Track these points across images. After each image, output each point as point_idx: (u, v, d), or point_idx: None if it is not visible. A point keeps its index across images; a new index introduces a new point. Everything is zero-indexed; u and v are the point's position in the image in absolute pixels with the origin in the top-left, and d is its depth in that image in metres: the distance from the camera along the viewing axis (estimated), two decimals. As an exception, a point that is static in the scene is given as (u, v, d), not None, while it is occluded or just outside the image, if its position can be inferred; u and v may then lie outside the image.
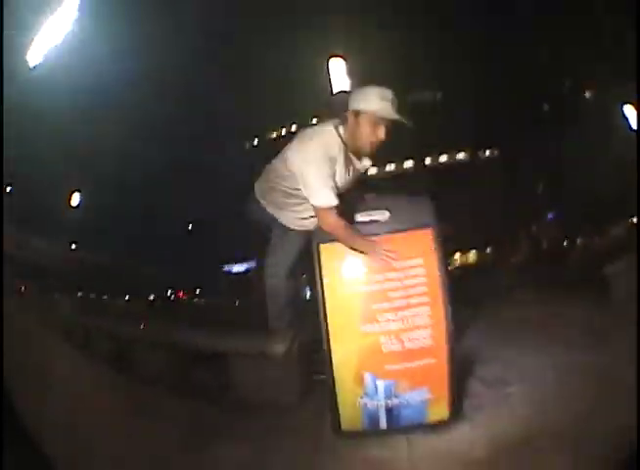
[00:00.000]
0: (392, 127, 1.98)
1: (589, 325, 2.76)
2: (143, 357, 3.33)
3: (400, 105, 1.92)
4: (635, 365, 1.62)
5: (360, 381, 1.94)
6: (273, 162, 2.33)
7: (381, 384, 1.93)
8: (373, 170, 2.57)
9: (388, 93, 1.91)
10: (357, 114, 1.93)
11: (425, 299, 1.93)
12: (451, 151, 17.96)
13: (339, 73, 13.23)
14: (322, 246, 1.94)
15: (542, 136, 13.01)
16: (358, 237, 1.91)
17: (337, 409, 1.96)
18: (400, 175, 16.66)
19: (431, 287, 1.93)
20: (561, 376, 2.13)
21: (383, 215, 1.94)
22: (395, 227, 1.94)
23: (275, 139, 17.61)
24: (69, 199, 15.32)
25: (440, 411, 1.97)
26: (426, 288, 1.93)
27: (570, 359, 2.26)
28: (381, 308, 1.92)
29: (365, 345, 1.93)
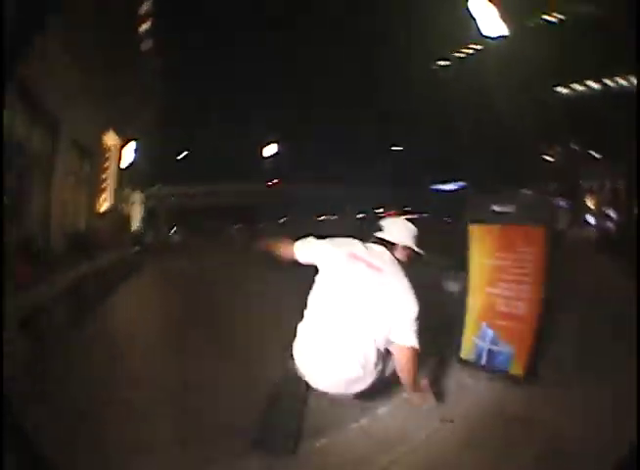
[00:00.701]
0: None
1: None
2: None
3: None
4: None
5: (478, 326, 2.89)
6: None
7: (489, 332, 2.79)
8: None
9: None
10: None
11: (528, 279, 2.63)
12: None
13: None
14: (471, 226, 2.94)
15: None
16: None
17: (461, 342, 3.01)
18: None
19: (534, 272, 2.62)
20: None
21: (512, 208, 2.69)
22: (518, 221, 2.66)
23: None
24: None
25: (518, 368, 2.60)
26: (531, 271, 2.62)
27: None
28: (500, 278, 2.81)
29: (486, 302, 2.88)
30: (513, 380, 2.56)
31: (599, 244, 8.47)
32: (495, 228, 2.79)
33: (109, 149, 10.26)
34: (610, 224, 9.59)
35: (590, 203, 11.05)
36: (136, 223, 14.23)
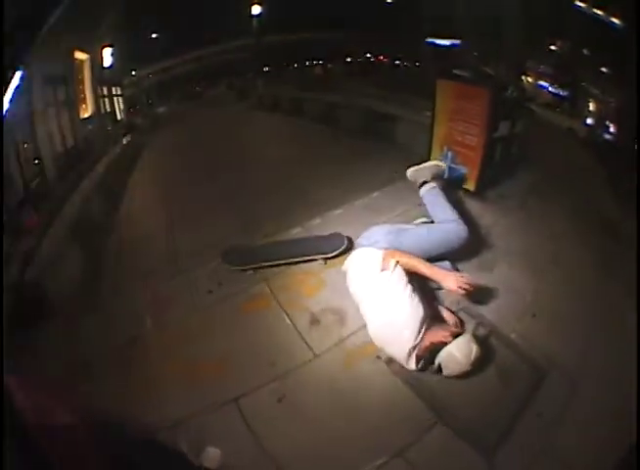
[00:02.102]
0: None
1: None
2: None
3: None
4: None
5: (441, 149, 3.69)
6: None
7: (449, 153, 3.57)
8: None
9: None
10: None
11: (476, 121, 3.38)
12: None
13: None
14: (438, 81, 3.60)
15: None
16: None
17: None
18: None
19: (481, 117, 3.31)
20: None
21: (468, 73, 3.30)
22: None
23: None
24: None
25: (470, 185, 3.53)
26: (478, 116, 3.34)
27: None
28: (458, 118, 3.51)
29: (447, 131, 3.65)
30: (466, 193, 3.54)
31: (586, 144, 8.07)
32: (455, 84, 3.55)
33: (81, 64, 9.16)
34: (606, 135, 8.77)
35: (593, 108, 9.70)
36: (121, 114, 13.50)
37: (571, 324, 2.23)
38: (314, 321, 2.29)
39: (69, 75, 8.68)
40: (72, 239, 3.55)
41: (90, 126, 9.36)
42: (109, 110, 12.28)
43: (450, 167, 3.48)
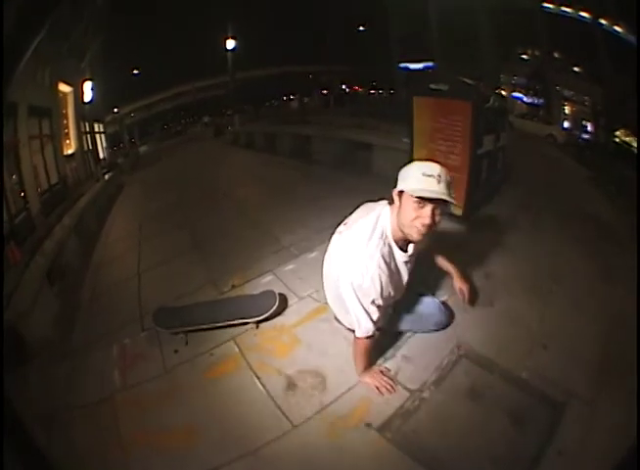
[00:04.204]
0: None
1: None
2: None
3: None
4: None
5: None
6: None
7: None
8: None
9: (433, 169, 1.59)
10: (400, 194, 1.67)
11: (459, 139, 3.17)
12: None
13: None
14: (415, 98, 3.42)
15: None
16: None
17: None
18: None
19: (463, 134, 3.09)
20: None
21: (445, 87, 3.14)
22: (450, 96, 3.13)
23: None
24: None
25: (458, 209, 3.30)
26: (461, 133, 3.13)
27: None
28: (439, 137, 3.30)
29: (429, 154, 3.43)
30: (454, 218, 3.30)
31: (567, 148, 8.44)
32: (433, 100, 3.31)
33: (64, 97, 9.54)
34: (585, 135, 9.22)
35: (569, 111, 10.28)
36: (104, 151, 13.94)
37: (584, 347, 2.01)
38: (290, 386, 1.96)
39: (54, 108, 8.76)
40: (48, 282, 3.37)
41: (74, 164, 9.39)
42: (91, 147, 12.46)
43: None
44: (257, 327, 2.38)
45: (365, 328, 1.74)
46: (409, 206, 1.60)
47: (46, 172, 7.60)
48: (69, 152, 9.66)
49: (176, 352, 2.35)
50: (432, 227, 1.61)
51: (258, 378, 2.04)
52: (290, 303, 2.58)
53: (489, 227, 3.23)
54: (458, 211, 3.30)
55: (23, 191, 6.12)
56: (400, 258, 1.77)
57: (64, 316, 3.15)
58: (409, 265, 1.84)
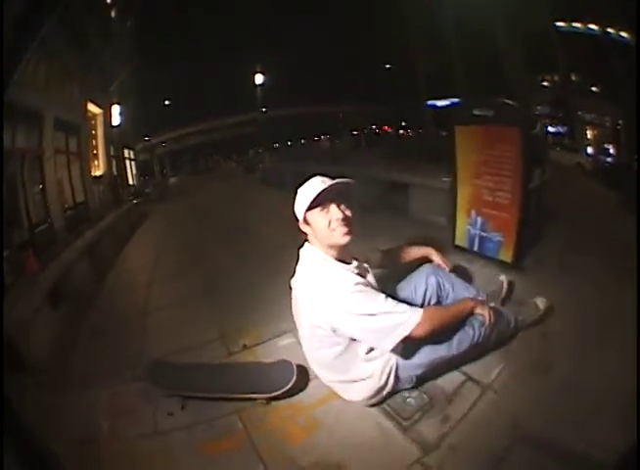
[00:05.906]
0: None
1: None
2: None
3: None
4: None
5: (468, 214, 3.12)
6: None
7: (479, 219, 3.04)
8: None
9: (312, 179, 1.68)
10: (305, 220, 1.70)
11: (508, 173, 2.73)
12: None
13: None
14: (457, 127, 3.05)
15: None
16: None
17: (454, 231, 3.30)
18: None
19: (513, 167, 2.68)
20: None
21: (490, 112, 2.77)
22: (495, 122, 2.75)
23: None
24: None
25: (507, 255, 2.85)
26: (510, 166, 2.70)
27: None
28: (484, 171, 2.91)
29: (473, 191, 3.04)
30: (503, 266, 2.83)
31: (595, 174, 8.23)
32: (478, 129, 2.89)
33: (93, 117, 10.04)
34: (609, 159, 9.11)
35: (591, 135, 10.38)
36: (132, 178, 14.49)
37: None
38: (302, 481, 1.51)
39: (83, 126, 8.95)
40: (51, 303, 3.23)
41: (101, 186, 9.61)
42: (120, 172, 12.73)
43: (481, 236, 2.90)
44: (268, 403, 1.92)
45: (402, 319, 1.56)
46: (317, 220, 1.64)
47: (72, 189, 7.73)
48: (98, 173, 9.89)
49: (171, 414, 1.96)
50: (348, 220, 1.65)
51: (265, 465, 1.59)
52: (311, 376, 2.05)
53: (540, 274, 2.75)
54: (507, 258, 2.85)
55: (46, 203, 6.11)
56: (351, 274, 1.65)
57: (66, 341, 2.94)
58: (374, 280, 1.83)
